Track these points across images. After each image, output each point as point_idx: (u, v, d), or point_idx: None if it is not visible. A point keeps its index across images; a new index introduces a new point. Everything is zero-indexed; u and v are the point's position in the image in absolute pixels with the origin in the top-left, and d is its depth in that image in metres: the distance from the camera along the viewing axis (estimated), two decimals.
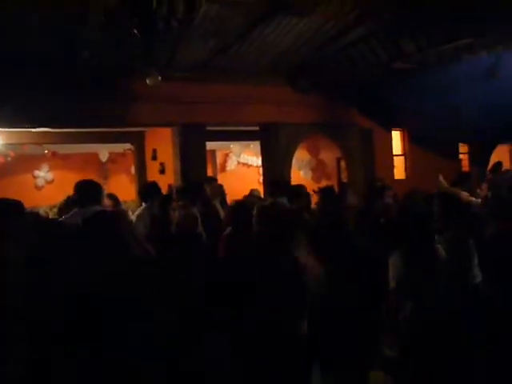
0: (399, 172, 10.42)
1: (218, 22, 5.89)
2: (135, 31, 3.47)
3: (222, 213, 5.73)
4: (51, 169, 13.19)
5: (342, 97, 8.89)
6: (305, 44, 7.05)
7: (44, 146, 10.51)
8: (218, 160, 14.25)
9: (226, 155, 14.36)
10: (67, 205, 4.80)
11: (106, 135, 9.53)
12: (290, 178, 8.87)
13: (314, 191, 6.49)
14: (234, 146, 13.16)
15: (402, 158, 10.53)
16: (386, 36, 6.74)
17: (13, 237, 2.44)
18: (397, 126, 10.29)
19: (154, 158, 9.63)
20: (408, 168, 10.47)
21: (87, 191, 4.02)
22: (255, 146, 10.72)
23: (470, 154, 11.20)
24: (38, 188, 13.01)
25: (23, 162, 12.15)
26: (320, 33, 6.71)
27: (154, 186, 5.18)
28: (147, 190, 5.05)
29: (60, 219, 4.12)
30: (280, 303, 2.63)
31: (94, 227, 2.52)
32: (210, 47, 6.75)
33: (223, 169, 14.31)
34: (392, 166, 10.23)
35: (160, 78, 4.68)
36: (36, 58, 6.20)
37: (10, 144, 8.93)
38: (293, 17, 6.04)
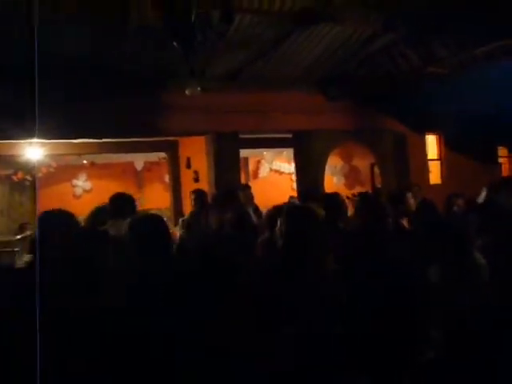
0: (435, 177, 10.23)
1: (251, 32, 5.99)
2: (175, 44, 3.59)
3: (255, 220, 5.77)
4: (89, 178, 13.57)
5: (375, 103, 8.83)
6: (336, 51, 7.08)
7: (83, 156, 10.85)
8: (250, 167, 14.33)
9: (258, 162, 14.42)
10: (98, 215, 4.84)
11: (141, 144, 9.76)
12: (323, 184, 8.86)
13: (347, 198, 6.46)
14: (267, 153, 13.22)
15: (438, 162, 10.35)
16: (417, 41, 6.69)
17: None
18: (431, 130, 10.13)
19: (188, 166, 9.78)
20: (444, 172, 10.28)
21: (120, 204, 4.11)
22: (288, 152, 10.75)
23: (510, 157, 10.91)
24: (77, 197, 13.40)
25: (62, 172, 12.54)
26: (351, 40, 6.73)
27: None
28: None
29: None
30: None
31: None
32: (242, 57, 6.86)
33: (255, 176, 14.37)
34: (427, 171, 10.07)
35: (199, 88, 4.78)
36: (74, 71, 6.43)
37: (51, 155, 9.26)
38: (325, 25, 6.07)
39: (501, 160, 10.91)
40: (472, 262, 3.07)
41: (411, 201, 5.82)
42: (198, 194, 6.15)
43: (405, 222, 4.61)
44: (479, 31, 6.14)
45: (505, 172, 10.72)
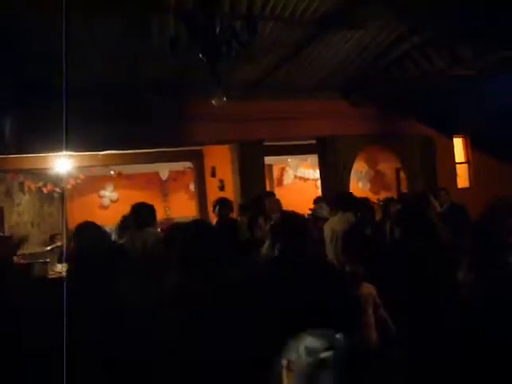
0: (462, 180, 10.05)
1: (273, 39, 6.02)
2: (200, 55, 3.64)
3: None
4: (116, 188, 13.82)
5: (400, 107, 8.74)
6: (358, 57, 7.05)
7: (109, 166, 11.05)
8: (275, 174, 14.35)
9: (283, 169, 14.43)
10: (122, 226, 4.93)
11: (166, 154, 9.90)
12: (348, 190, 8.80)
13: (373, 203, 6.41)
14: (292, 160, 13.21)
15: (466, 165, 10.16)
16: (442, 44, 6.61)
17: None
18: (458, 133, 9.97)
19: (213, 175, 9.86)
20: (472, 176, 10.09)
21: (142, 214, 4.17)
22: (312, 159, 10.73)
23: None
24: (104, 207, 13.64)
25: (90, 183, 12.80)
26: (374, 45, 6.69)
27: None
28: None
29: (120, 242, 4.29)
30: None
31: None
32: (264, 64, 6.89)
33: (280, 183, 14.38)
34: (455, 175, 9.90)
35: (225, 98, 4.83)
36: (101, 85, 6.58)
37: (79, 167, 9.47)
38: (347, 31, 6.06)
39: None
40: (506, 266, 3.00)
41: (435, 203, 5.75)
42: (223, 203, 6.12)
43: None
44: (505, 33, 6.03)
45: None
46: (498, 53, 6.31)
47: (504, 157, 9.66)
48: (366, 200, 5.77)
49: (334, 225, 5.24)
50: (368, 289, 3.49)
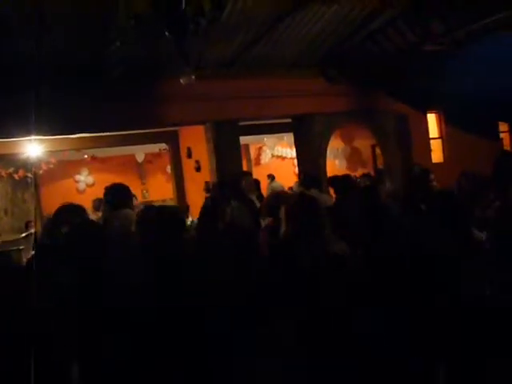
0: (437, 155, 10.17)
1: (245, 17, 5.91)
2: (166, 33, 3.54)
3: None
4: (91, 172, 13.60)
5: (374, 83, 8.74)
6: (333, 33, 6.99)
7: (83, 150, 10.83)
8: (252, 154, 14.31)
9: (260, 149, 14.39)
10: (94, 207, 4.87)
11: (141, 136, 9.73)
12: (325, 168, 8.83)
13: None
14: (268, 139, 13.17)
15: (439, 141, 10.28)
16: (414, 18, 6.59)
17: None
18: (432, 109, 10.05)
19: (189, 156, 9.77)
20: (446, 151, 10.21)
21: (117, 195, 4.05)
22: (289, 137, 10.71)
23: (511, 132, 10.83)
24: (80, 192, 13.43)
25: (64, 168, 12.56)
26: (348, 20, 6.64)
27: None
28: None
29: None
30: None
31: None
32: (238, 42, 6.78)
33: (258, 162, 14.36)
34: (429, 150, 10.01)
35: (194, 76, 4.74)
36: (70, 65, 6.39)
37: (51, 151, 9.25)
38: (321, 5, 5.98)
39: (502, 135, 10.83)
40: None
41: (434, 183, 5.75)
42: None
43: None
44: (477, 6, 6.05)
45: (506, 147, 10.64)
46: (468, 27, 6.33)
47: (476, 131, 9.81)
48: (346, 176, 5.76)
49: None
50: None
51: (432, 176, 5.72)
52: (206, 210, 3.95)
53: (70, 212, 3.26)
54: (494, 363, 2.78)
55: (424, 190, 4.94)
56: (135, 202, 5.09)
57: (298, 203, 3.13)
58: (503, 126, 10.86)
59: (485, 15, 6.18)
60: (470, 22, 6.31)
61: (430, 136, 10.12)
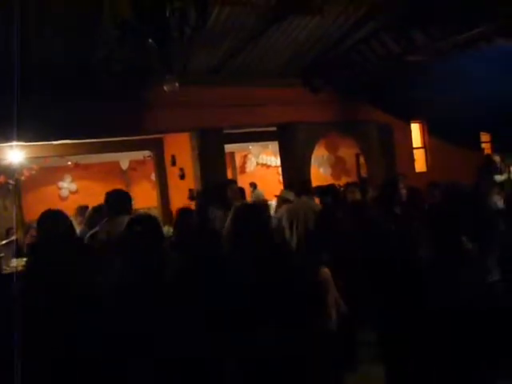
0: (420, 165, 10.30)
1: (230, 25, 5.94)
2: (150, 40, 3.54)
3: None
4: (74, 179, 13.44)
5: (358, 93, 8.83)
6: (317, 43, 7.06)
7: (66, 157, 10.71)
8: (237, 162, 14.30)
9: (245, 157, 14.40)
10: (94, 215, 4.86)
11: (125, 143, 9.66)
12: (309, 176, 8.86)
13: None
14: (253, 148, 13.20)
15: (423, 150, 10.41)
16: (397, 29, 6.69)
17: None
18: (415, 119, 10.18)
19: (174, 163, 9.72)
20: (429, 160, 10.34)
21: (117, 201, 4.09)
22: (274, 146, 10.74)
23: (492, 142, 11.01)
24: (63, 199, 13.26)
25: (47, 174, 12.39)
26: (331, 31, 6.71)
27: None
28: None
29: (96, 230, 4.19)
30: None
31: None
32: (223, 50, 6.80)
33: (243, 170, 14.36)
34: (412, 160, 10.13)
35: (177, 84, 4.74)
36: (53, 71, 6.33)
37: (33, 157, 9.13)
38: (304, 16, 6.04)
39: (483, 145, 11.01)
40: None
41: (403, 190, 5.86)
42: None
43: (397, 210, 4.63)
44: (459, 18, 6.15)
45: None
46: (451, 38, 6.43)
47: (460, 141, 9.96)
48: (332, 186, 5.81)
49: (296, 210, 5.30)
50: (326, 273, 3.57)
51: (401, 184, 5.86)
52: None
53: (54, 218, 3.20)
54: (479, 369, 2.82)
55: (395, 195, 5.02)
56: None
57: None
58: (485, 137, 11.05)
59: (467, 27, 6.29)
60: (453, 34, 6.41)
61: (414, 146, 10.24)
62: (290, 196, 7.03)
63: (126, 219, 3.85)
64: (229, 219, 3.20)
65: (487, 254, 3.24)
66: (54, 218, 3.18)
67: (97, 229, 4.20)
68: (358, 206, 4.40)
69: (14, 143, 7.43)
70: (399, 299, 3.14)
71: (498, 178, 7.74)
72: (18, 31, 5.13)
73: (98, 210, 4.83)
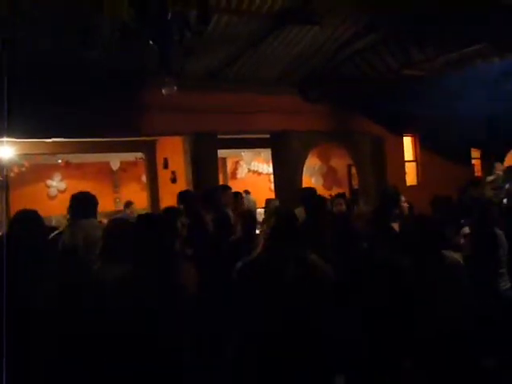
0: (411, 178, 10.36)
1: (229, 32, 5.95)
2: (151, 42, 3.53)
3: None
4: (64, 178, 13.32)
5: (353, 105, 8.89)
6: (315, 53, 7.09)
7: (57, 155, 10.63)
8: (229, 168, 14.29)
9: (237, 163, 14.40)
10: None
11: (117, 144, 9.62)
12: (301, 185, 8.87)
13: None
14: (245, 154, 13.20)
15: (414, 164, 10.48)
16: (395, 44, 6.75)
17: None
18: (408, 133, 10.26)
19: (166, 166, 9.69)
20: (420, 174, 10.42)
21: (82, 203, 3.92)
22: (266, 153, 10.75)
23: (483, 158, 11.13)
24: (51, 197, 13.13)
25: (36, 172, 12.28)
26: (330, 42, 6.75)
27: None
28: None
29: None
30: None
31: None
32: (221, 57, 6.81)
33: (234, 176, 14.34)
34: (404, 173, 10.18)
35: (175, 87, 4.72)
36: (48, 69, 6.28)
37: (24, 154, 9.05)
38: (303, 26, 6.07)
39: (473, 161, 11.13)
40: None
41: (405, 204, 5.83)
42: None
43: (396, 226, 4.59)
44: (456, 35, 6.23)
45: (477, 173, 10.93)
46: (446, 55, 6.51)
47: (451, 156, 10.06)
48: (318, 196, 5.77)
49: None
50: None
51: (403, 198, 5.82)
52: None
53: (26, 221, 3.10)
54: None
55: (395, 210, 5.00)
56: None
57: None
58: (475, 153, 11.17)
59: (462, 45, 6.37)
60: (449, 51, 6.49)
61: (405, 159, 10.31)
62: (276, 205, 7.04)
63: (92, 222, 3.80)
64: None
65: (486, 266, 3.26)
66: (26, 220, 3.08)
67: (60, 230, 4.11)
68: (340, 218, 4.37)
69: (5, 139, 7.36)
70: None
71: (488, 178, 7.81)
72: (7, 27, 5.09)
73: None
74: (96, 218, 3.96)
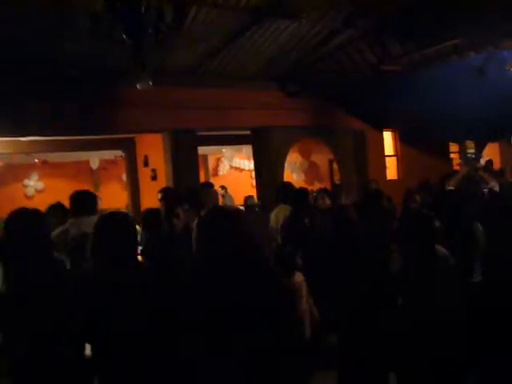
0: (391, 172, 10.43)
1: (208, 26, 5.87)
2: (124, 36, 3.44)
3: None
4: (41, 177, 13.09)
5: (333, 100, 8.89)
6: (294, 48, 7.05)
7: (34, 154, 10.41)
8: (210, 165, 14.21)
9: (218, 160, 14.33)
10: (53, 214, 4.64)
11: (96, 142, 9.46)
12: (282, 180, 8.85)
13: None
14: (227, 151, 13.14)
15: (394, 158, 10.55)
16: (374, 39, 6.76)
17: None
18: (388, 127, 10.32)
19: (146, 164, 9.57)
20: (400, 168, 10.49)
21: (83, 201, 4.00)
22: (247, 149, 10.70)
23: (460, 153, 11.25)
24: (28, 197, 12.89)
25: (12, 172, 12.04)
26: (309, 36, 6.72)
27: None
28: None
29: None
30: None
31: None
32: (199, 52, 6.73)
33: (215, 173, 14.27)
34: (384, 167, 10.25)
35: (151, 82, 4.64)
36: (22, 66, 6.13)
37: None
38: (283, 21, 6.02)
39: (452, 155, 11.26)
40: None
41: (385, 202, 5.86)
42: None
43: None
44: (433, 31, 6.26)
45: (456, 167, 11.04)
46: (424, 50, 6.55)
47: (430, 150, 10.16)
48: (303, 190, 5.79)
49: (277, 215, 5.43)
50: (300, 277, 3.58)
51: (384, 195, 5.88)
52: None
53: (26, 218, 2.99)
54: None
55: (376, 206, 5.04)
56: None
57: None
58: (454, 147, 11.29)
59: (439, 40, 6.41)
60: (426, 46, 6.53)
61: (386, 153, 10.37)
62: (254, 203, 7.05)
63: (93, 219, 3.75)
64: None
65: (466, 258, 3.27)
66: (25, 218, 2.97)
67: (66, 226, 4.06)
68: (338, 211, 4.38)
69: None
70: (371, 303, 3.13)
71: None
72: None
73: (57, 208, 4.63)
74: (96, 215, 3.92)
